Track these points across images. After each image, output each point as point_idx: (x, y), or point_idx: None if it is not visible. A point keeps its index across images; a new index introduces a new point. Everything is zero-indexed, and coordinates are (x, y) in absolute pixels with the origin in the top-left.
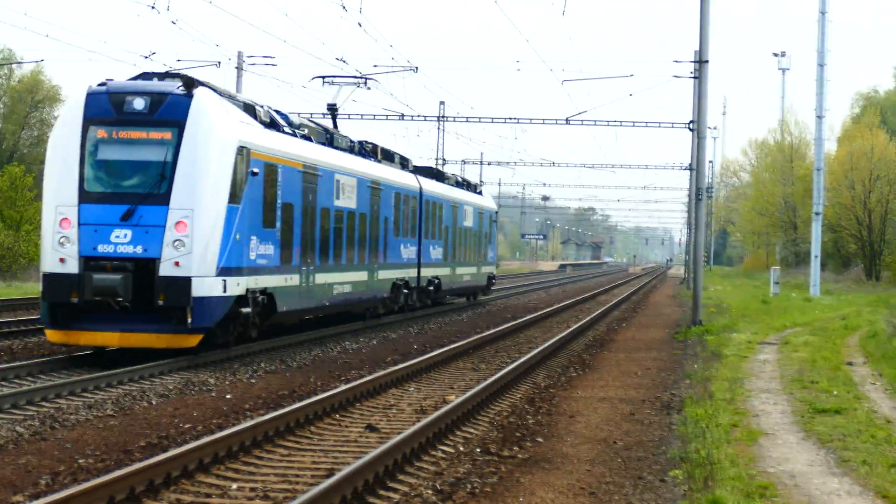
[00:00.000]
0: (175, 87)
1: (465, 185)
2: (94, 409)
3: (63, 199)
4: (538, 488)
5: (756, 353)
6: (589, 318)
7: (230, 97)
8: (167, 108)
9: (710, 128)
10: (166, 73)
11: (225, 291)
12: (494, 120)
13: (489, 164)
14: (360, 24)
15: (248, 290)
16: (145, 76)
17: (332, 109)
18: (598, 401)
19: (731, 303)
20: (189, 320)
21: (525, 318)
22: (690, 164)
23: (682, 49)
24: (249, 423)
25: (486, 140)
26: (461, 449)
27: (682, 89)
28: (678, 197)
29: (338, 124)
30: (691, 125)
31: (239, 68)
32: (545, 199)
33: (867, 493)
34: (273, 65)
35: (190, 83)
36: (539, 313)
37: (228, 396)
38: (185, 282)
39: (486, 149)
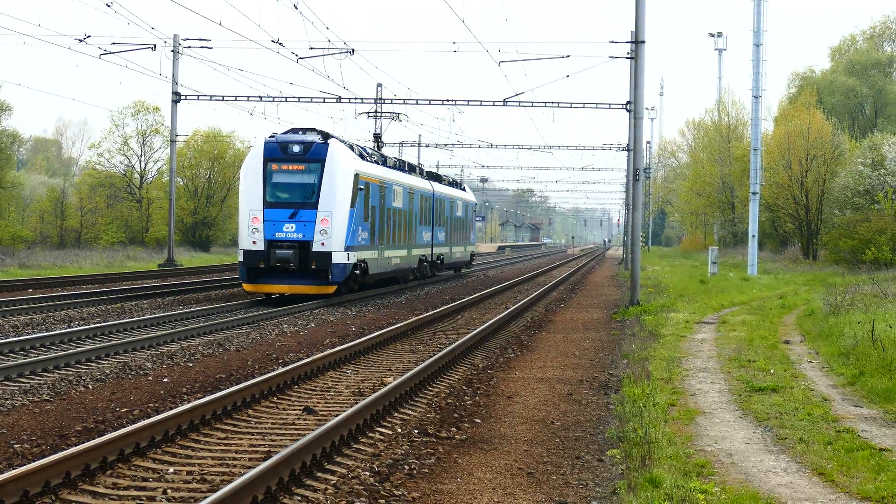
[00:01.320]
0: (317, 138)
1: (455, 184)
2: (29, 394)
3: (254, 205)
4: (476, 469)
5: (694, 332)
6: (527, 298)
7: (343, 141)
8: (314, 151)
9: (647, 108)
10: (310, 128)
11: (348, 260)
12: (432, 102)
13: (427, 146)
14: (295, 6)
15: (357, 260)
16: (294, 131)
17: (377, 137)
18: (536, 381)
19: (669, 283)
20: (330, 277)
21: (462, 300)
22: (628, 145)
23: (619, 29)
24: (187, 406)
25: (425, 122)
26: (399, 430)
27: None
28: (616, 178)
29: (381, 146)
30: (628, 106)
31: (175, 51)
32: (483, 180)
33: (804, 470)
34: (209, 47)
35: (326, 135)
36: (477, 295)
37: (166, 380)
38: (328, 255)
39: (424, 131)
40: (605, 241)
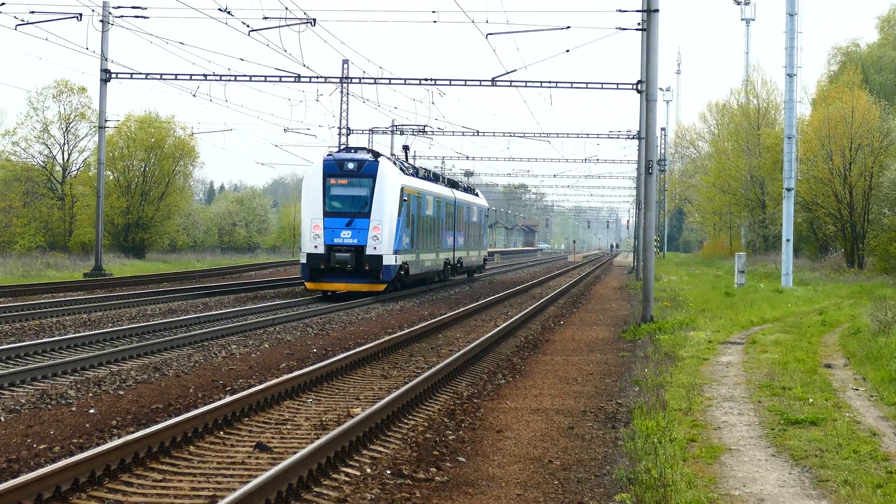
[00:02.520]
0: (368, 156)
1: (469, 189)
2: None
3: (315, 215)
4: None
5: (718, 354)
6: (520, 314)
7: (389, 158)
8: (366, 168)
9: (661, 89)
10: (361, 147)
11: (395, 262)
12: (407, 81)
13: (401, 133)
14: None
15: (402, 262)
16: (347, 149)
17: (406, 149)
18: (531, 412)
19: (688, 295)
20: (381, 277)
21: (442, 317)
22: (639, 133)
23: None
24: (117, 442)
25: (399, 105)
26: (368, 471)
27: (629, 44)
28: (625, 171)
29: (408, 157)
30: (639, 86)
31: (104, 22)
32: (468, 174)
33: None
34: (145, 17)
35: (376, 154)
36: (461, 310)
37: (92, 411)
38: (379, 257)
39: (398, 115)
40: (612, 247)
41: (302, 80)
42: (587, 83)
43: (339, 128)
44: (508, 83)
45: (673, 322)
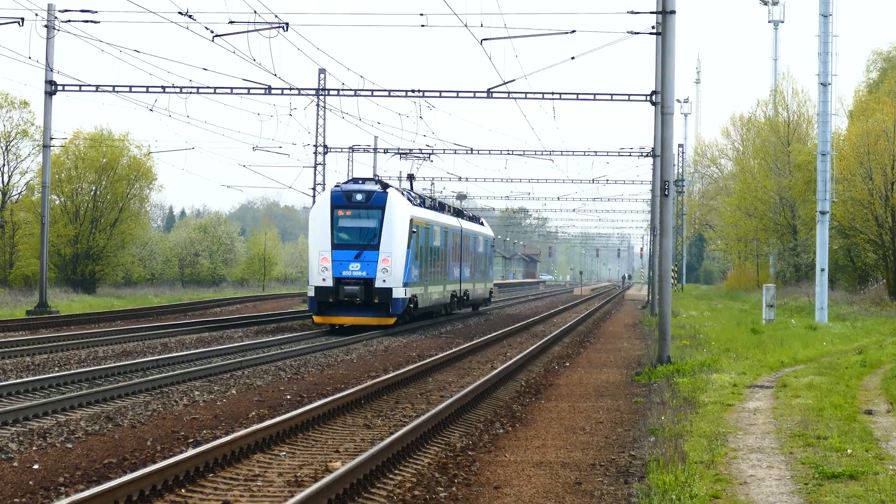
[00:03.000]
0: (377, 187)
1: (475, 218)
2: None
3: (322, 247)
4: None
5: (744, 399)
6: (521, 355)
7: (397, 189)
8: (375, 199)
9: (678, 100)
10: (369, 178)
11: (405, 295)
12: (392, 93)
13: (385, 151)
14: None
15: (411, 295)
16: (355, 181)
17: (411, 178)
18: (533, 466)
19: (709, 333)
20: (390, 310)
21: (433, 358)
22: (654, 150)
23: None
24: (64, 502)
25: (382, 120)
26: None
27: (642, 51)
28: (638, 193)
29: (413, 186)
30: (653, 97)
31: (50, 27)
32: (461, 197)
33: None
34: (95, 21)
35: (384, 185)
36: (454, 350)
37: (36, 467)
38: (389, 290)
39: (381, 132)
40: (623, 278)
41: (273, 92)
42: (595, 94)
43: (315, 146)
44: (506, 94)
45: (693, 363)
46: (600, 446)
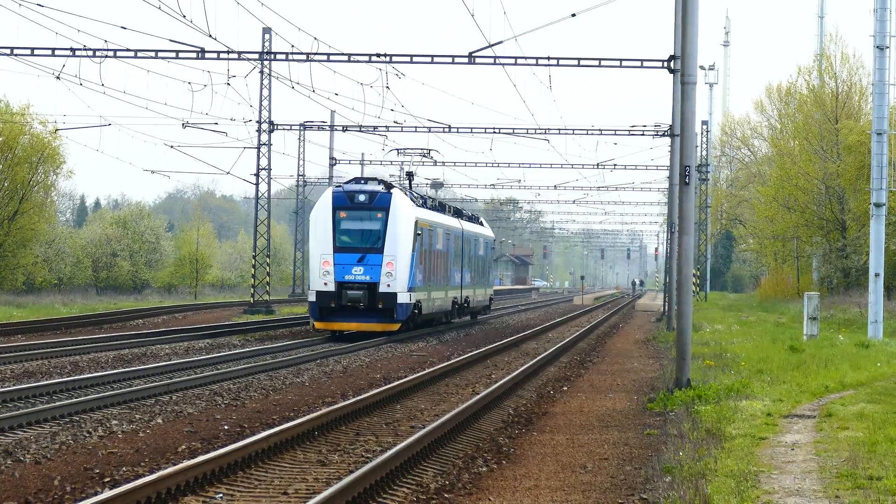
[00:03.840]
0: (380, 187)
1: (474, 218)
2: None
3: (324, 250)
4: None
5: (780, 432)
6: (508, 377)
7: (401, 189)
8: (378, 200)
9: (702, 67)
10: (372, 178)
11: (410, 300)
12: (352, 58)
13: (344, 129)
14: None
15: (416, 300)
16: (357, 181)
17: (410, 176)
18: None
19: (738, 351)
20: (395, 315)
21: (401, 381)
22: (671, 128)
23: None
24: None
25: (341, 91)
26: None
27: (658, 7)
28: (653, 181)
29: (413, 185)
30: (672, 63)
31: None
32: (436, 184)
33: None
34: None
35: (388, 185)
36: (428, 371)
37: None
38: (393, 295)
39: (340, 105)
40: (634, 284)
41: (207, 55)
42: (600, 60)
43: (259, 122)
44: (492, 60)
45: (718, 388)
46: (605, 488)
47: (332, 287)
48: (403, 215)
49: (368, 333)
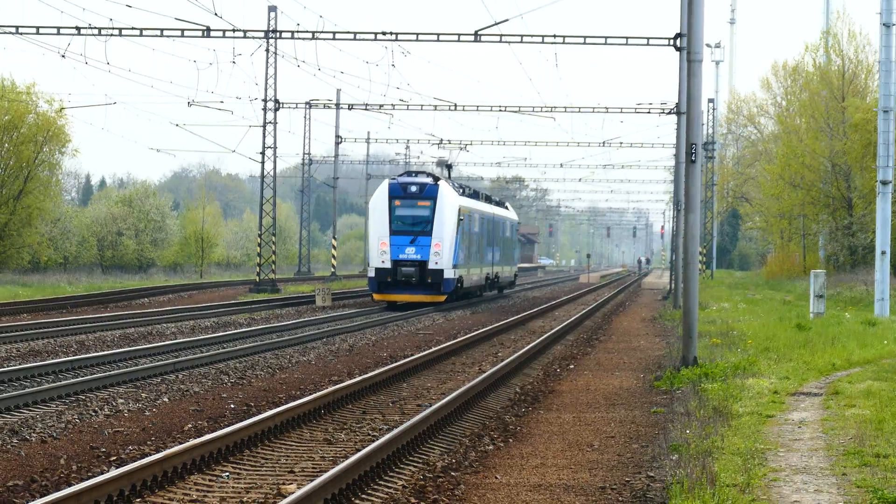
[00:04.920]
0: (429, 179)
1: (500, 203)
2: None
3: (381, 233)
4: None
5: (787, 409)
6: (514, 356)
7: (446, 180)
8: (427, 191)
9: (708, 45)
10: (421, 171)
11: (454, 276)
12: (358, 36)
13: (350, 107)
14: None
15: (459, 275)
16: (409, 174)
17: (449, 167)
18: (530, 490)
19: (745, 329)
20: (442, 288)
21: (409, 359)
22: (678, 106)
23: None
24: None
25: (347, 69)
26: None
27: None
28: (659, 159)
29: (451, 173)
30: (678, 41)
31: None
32: (442, 163)
33: None
34: None
35: (436, 178)
36: (434, 349)
37: None
38: (440, 271)
39: (345, 83)
40: (640, 263)
41: (213, 34)
42: (606, 38)
43: (265, 100)
44: (498, 38)
45: (725, 366)
46: (612, 466)
47: (388, 264)
48: (448, 204)
49: (419, 304)
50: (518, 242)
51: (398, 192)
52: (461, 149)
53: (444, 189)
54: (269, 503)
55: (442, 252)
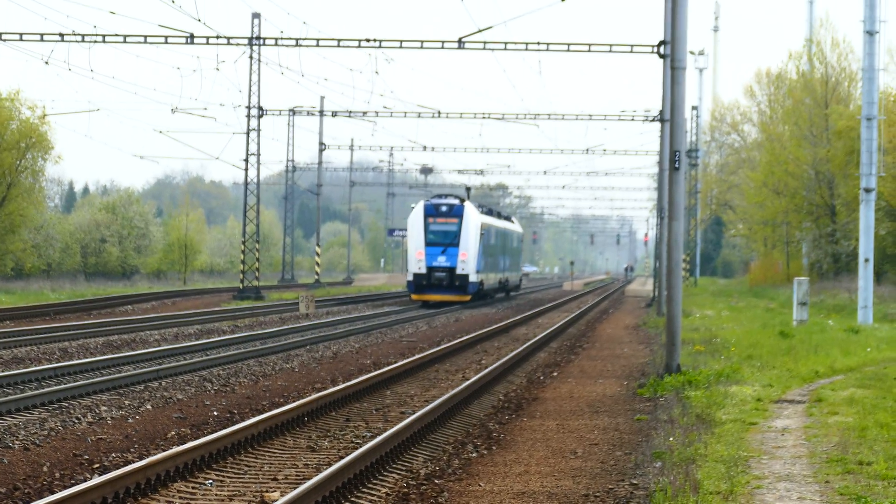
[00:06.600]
0: (457, 202)
1: (508, 218)
2: None
3: (418, 245)
4: None
5: (770, 417)
6: (498, 362)
7: (470, 201)
8: (455, 210)
9: (692, 53)
10: (449, 194)
11: (477, 280)
12: (342, 43)
13: (334, 114)
14: None
15: (481, 280)
16: (440, 196)
17: (468, 190)
18: (514, 497)
19: (729, 336)
20: (467, 290)
21: (392, 366)
22: (661, 113)
23: None
24: None
25: (330, 76)
26: None
27: None
28: (642, 166)
29: (470, 195)
30: (661, 48)
31: None
32: (426, 170)
33: None
34: None
35: (462, 199)
36: (417, 357)
37: None
38: (466, 276)
39: (329, 90)
40: (626, 270)
41: (196, 41)
42: (590, 45)
43: (248, 107)
44: (481, 45)
45: (708, 373)
46: (595, 473)
47: (423, 270)
48: (472, 221)
49: (449, 302)
50: (521, 252)
51: (431, 212)
52: (477, 174)
53: (469, 208)
54: None
55: (468, 260)
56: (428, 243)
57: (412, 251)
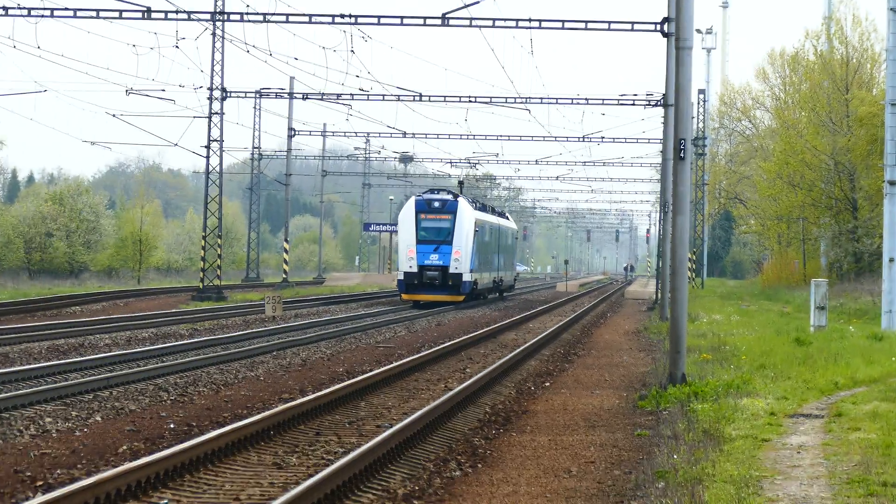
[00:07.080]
0: (450, 197)
1: (502, 214)
2: None
3: (409, 242)
4: None
5: (785, 433)
6: (484, 371)
7: (464, 196)
8: (448, 206)
9: (699, 31)
10: (442, 189)
11: (471, 279)
12: (314, 19)
13: (305, 97)
14: None
15: (475, 279)
16: (432, 191)
17: (461, 184)
18: None
19: (739, 343)
20: (461, 290)
21: (367, 374)
22: (665, 98)
23: None
24: None
25: (301, 55)
26: None
27: None
28: (645, 155)
29: (462, 189)
30: (665, 26)
31: None
32: (406, 159)
33: None
34: None
35: (456, 195)
36: (395, 365)
37: None
38: (460, 275)
39: (299, 71)
40: (625, 270)
41: (154, 15)
42: (586, 22)
43: (210, 88)
44: (467, 21)
45: (716, 384)
46: (591, 495)
47: (415, 269)
48: (466, 217)
49: (440, 303)
50: (516, 250)
51: (423, 207)
52: (464, 162)
53: (463, 204)
54: None
55: (461, 259)
56: (420, 241)
57: (403, 249)
